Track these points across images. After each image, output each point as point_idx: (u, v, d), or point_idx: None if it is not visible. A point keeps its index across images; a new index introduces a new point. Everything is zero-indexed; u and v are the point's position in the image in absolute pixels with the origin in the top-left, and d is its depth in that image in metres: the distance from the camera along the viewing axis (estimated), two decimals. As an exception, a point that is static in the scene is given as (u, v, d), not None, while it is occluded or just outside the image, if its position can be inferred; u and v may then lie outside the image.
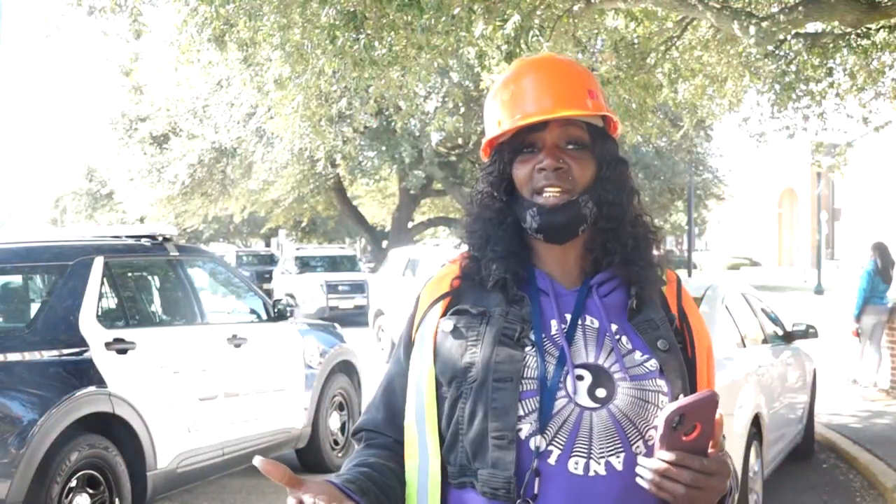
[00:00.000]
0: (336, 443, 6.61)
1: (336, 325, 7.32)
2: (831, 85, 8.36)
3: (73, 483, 4.26)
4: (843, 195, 37.67)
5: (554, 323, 1.35)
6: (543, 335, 1.34)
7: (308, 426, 6.23)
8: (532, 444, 1.27)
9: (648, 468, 1.19)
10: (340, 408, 6.71)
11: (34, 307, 4.89)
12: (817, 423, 7.46)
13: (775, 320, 6.72)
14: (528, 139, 1.40)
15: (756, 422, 5.10)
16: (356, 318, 18.86)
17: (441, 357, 1.36)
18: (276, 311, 6.19)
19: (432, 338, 1.38)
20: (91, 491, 4.38)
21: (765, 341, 6.24)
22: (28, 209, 62.66)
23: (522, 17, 4.87)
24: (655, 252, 1.43)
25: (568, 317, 1.36)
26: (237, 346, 5.62)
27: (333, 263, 22.47)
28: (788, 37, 7.00)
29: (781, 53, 7.37)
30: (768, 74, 7.66)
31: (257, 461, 1.17)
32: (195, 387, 5.16)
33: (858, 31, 7.00)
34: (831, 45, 7.41)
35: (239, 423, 5.50)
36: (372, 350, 13.39)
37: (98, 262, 4.80)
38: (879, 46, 7.37)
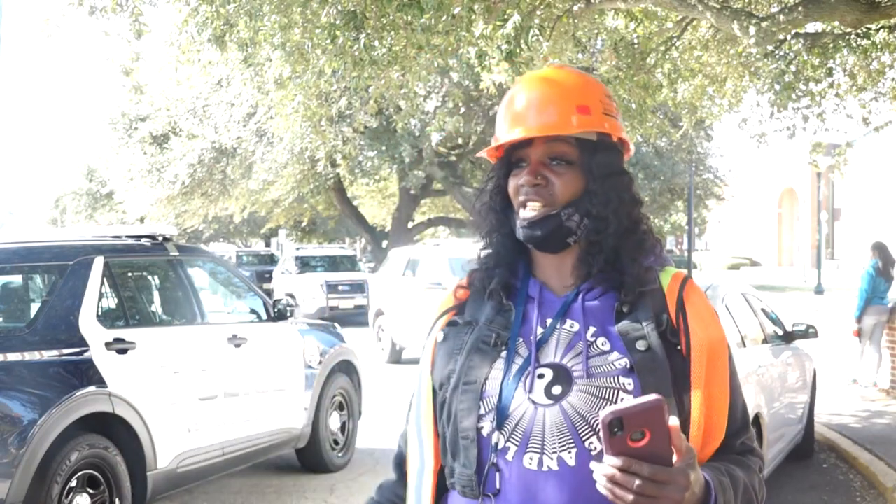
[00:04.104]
0: (336, 443, 6.61)
1: (336, 325, 7.32)
2: (831, 85, 8.36)
3: (73, 483, 4.26)
4: (843, 195, 37.67)
5: (536, 328, 1.43)
6: (521, 339, 1.41)
7: (308, 426, 6.23)
8: (493, 441, 1.34)
9: (598, 472, 1.18)
10: (340, 408, 6.71)
11: (34, 307, 4.88)
12: (817, 423, 7.46)
13: (775, 320, 6.72)
14: (518, 155, 1.47)
15: (756, 422, 5.10)
16: (356, 318, 18.85)
17: (435, 366, 1.48)
18: (276, 311, 6.18)
19: (431, 349, 1.51)
20: (91, 491, 4.38)
21: (765, 341, 6.25)
22: (28, 209, 62.73)
23: (522, 17, 4.87)
24: (650, 258, 1.46)
25: (549, 321, 1.42)
26: (237, 346, 5.62)
27: (333, 263, 22.48)
28: (788, 37, 7.00)
29: (781, 53, 7.37)
30: (768, 74, 7.66)
31: None
32: (195, 387, 5.16)
33: (858, 31, 6.99)
34: (831, 45, 7.41)
35: (239, 423, 5.50)
36: (372, 350, 13.39)
37: (98, 262, 4.80)
38: (879, 46, 7.37)
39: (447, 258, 12.69)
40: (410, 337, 12.64)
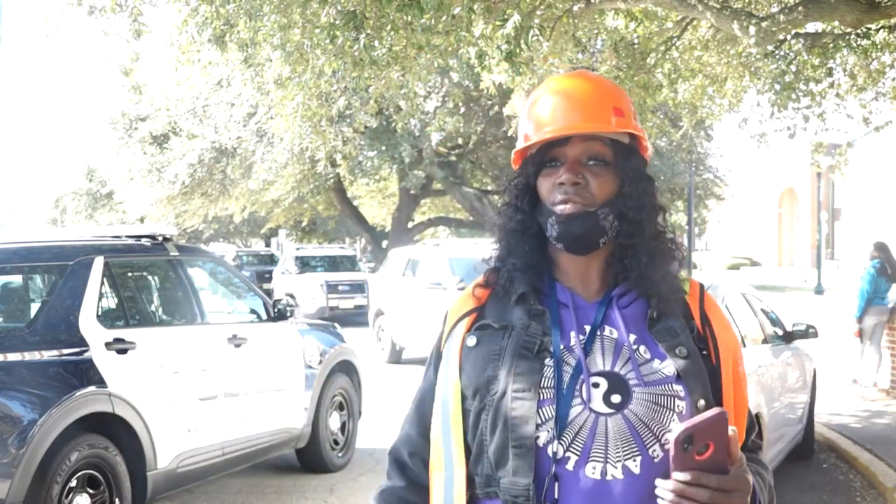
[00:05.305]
0: (336, 443, 6.61)
1: (336, 325, 7.31)
2: (831, 85, 8.36)
3: (73, 483, 4.26)
4: (843, 195, 37.65)
5: (573, 335, 1.39)
6: (562, 346, 1.38)
7: (308, 426, 6.23)
8: (550, 451, 1.31)
9: (666, 489, 1.20)
10: (340, 408, 6.71)
11: (34, 307, 4.88)
12: (817, 423, 7.46)
13: (775, 320, 6.72)
14: (552, 153, 1.44)
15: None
16: (356, 318, 18.85)
17: (465, 371, 1.42)
18: (276, 311, 6.18)
19: (458, 353, 1.44)
20: (91, 491, 4.38)
21: (765, 341, 6.24)
22: (28, 209, 62.78)
23: (522, 17, 4.86)
24: (675, 265, 1.47)
25: (587, 328, 1.40)
26: (237, 346, 5.62)
27: (333, 263, 22.47)
28: (788, 37, 7.00)
29: (781, 53, 7.37)
30: (768, 74, 7.66)
31: None
32: (195, 387, 5.16)
33: (858, 31, 6.99)
34: (831, 45, 7.41)
35: (239, 423, 5.50)
36: (372, 350, 13.39)
37: (98, 262, 4.80)
38: (879, 46, 7.37)
39: (447, 258, 12.68)
40: (410, 337, 12.64)
